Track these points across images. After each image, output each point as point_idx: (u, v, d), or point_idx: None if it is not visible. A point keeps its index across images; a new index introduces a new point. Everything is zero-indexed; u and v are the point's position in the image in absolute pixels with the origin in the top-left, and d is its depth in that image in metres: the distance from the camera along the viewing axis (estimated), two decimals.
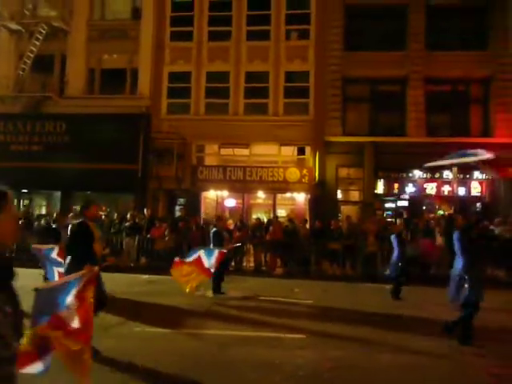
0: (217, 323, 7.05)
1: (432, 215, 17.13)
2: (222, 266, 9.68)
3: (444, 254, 13.17)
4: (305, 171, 17.06)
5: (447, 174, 16.38)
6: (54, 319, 3.70)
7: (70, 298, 3.93)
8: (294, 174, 17.00)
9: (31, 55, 18.20)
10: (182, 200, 18.38)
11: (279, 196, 17.97)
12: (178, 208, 18.54)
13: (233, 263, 14.47)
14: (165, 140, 17.50)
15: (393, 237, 9.90)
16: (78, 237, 5.66)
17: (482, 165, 14.58)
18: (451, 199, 16.46)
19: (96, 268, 4.74)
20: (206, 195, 18.18)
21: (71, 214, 15.73)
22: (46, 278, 9.01)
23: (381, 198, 17.38)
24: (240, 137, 17.41)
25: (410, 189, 17.12)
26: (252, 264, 14.45)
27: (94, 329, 6.32)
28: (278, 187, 17.13)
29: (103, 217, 15.83)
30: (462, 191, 16.65)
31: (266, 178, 17.05)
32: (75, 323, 3.86)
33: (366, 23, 17.63)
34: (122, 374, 4.77)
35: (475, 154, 11.01)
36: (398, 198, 17.37)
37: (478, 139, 16.54)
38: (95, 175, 16.72)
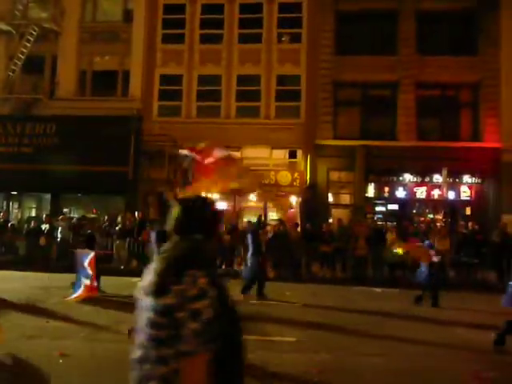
0: None
1: (422, 218, 17.28)
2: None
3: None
4: (296, 174, 17.10)
5: (437, 178, 16.51)
6: None
7: None
8: (285, 177, 17.02)
9: (22, 56, 18.06)
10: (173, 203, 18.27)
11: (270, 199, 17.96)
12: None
13: (223, 266, 14.48)
14: (156, 142, 17.42)
15: (427, 243, 9.73)
16: None
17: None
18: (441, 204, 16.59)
19: None
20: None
21: (61, 217, 15.68)
22: (73, 284, 9.46)
23: (371, 202, 17.47)
24: (231, 140, 17.38)
25: (400, 192, 17.23)
26: (243, 267, 14.39)
27: (82, 332, 6.30)
28: (269, 190, 17.12)
29: (93, 219, 15.70)
30: (451, 195, 16.78)
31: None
32: None
33: (357, 28, 17.76)
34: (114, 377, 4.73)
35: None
36: (389, 201, 17.49)
37: (468, 143, 16.75)
38: (86, 177, 16.59)
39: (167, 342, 1.58)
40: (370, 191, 17.44)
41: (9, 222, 16.31)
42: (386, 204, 17.67)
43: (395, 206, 17.42)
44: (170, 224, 1.84)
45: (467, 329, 7.34)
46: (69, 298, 8.72)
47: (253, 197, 17.73)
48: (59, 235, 14.64)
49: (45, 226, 14.99)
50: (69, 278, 10.40)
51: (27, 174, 16.95)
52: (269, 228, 14.98)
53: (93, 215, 16.32)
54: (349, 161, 16.88)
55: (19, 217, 19.03)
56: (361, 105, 17.92)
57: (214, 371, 1.58)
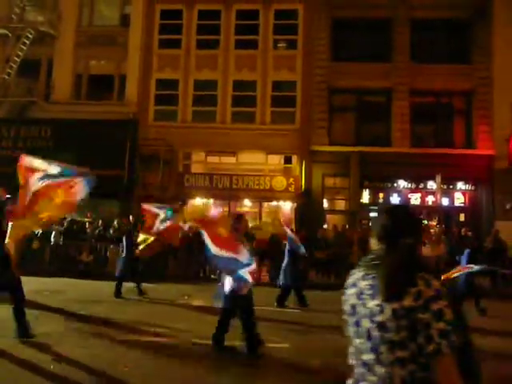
0: (199, 332, 7.00)
1: None
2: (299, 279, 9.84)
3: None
4: (291, 180, 17.15)
5: (431, 185, 16.61)
6: None
7: None
8: (280, 182, 17.08)
9: (17, 59, 18.05)
10: None
11: (265, 204, 17.99)
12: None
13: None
14: (151, 147, 17.45)
15: (467, 252, 9.38)
16: None
17: None
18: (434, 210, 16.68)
19: None
20: (191, 203, 18.11)
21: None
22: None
23: (366, 208, 17.53)
24: (227, 145, 17.45)
25: (394, 199, 17.32)
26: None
27: (73, 338, 6.26)
28: (264, 196, 17.18)
29: (87, 224, 15.64)
30: (445, 201, 16.89)
31: (253, 187, 17.10)
32: None
33: (352, 35, 17.91)
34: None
35: None
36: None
37: (461, 150, 16.89)
38: None
39: (402, 344, 1.62)
40: (365, 197, 17.51)
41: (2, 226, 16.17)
42: None
43: None
44: (373, 231, 1.89)
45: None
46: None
47: (247, 201, 17.78)
48: (52, 239, 14.57)
49: (38, 230, 14.89)
50: (61, 282, 10.38)
51: None
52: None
53: (87, 219, 16.24)
54: (344, 167, 16.95)
55: None
56: (356, 111, 18.03)
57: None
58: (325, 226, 16.36)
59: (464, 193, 17.25)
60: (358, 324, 1.75)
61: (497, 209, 16.40)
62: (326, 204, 17.71)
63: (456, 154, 16.54)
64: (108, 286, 10.38)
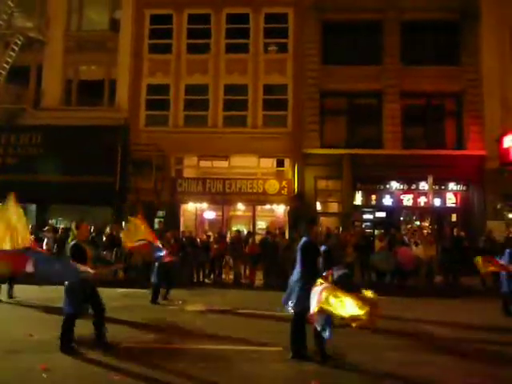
0: (193, 337, 6.95)
1: (409, 226, 17.42)
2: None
3: (420, 264, 13.40)
4: (284, 183, 17.14)
5: (423, 186, 16.68)
6: None
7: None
8: (273, 185, 17.06)
9: (6, 66, 17.90)
10: (160, 213, 18.20)
11: (259, 208, 17.97)
12: (156, 221, 18.34)
13: (212, 276, 14.40)
14: (143, 152, 17.36)
15: (508, 251, 9.05)
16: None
17: None
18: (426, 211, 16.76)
19: None
20: (185, 208, 18.05)
21: (47, 228, 15.45)
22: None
23: (359, 210, 17.57)
24: (219, 149, 17.43)
25: (387, 200, 17.38)
26: (231, 276, 14.36)
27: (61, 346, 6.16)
28: (257, 199, 17.15)
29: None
30: (437, 202, 16.96)
31: (246, 190, 17.06)
32: None
33: (342, 38, 17.97)
34: None
35: None
36: (376, 209, 17.61)
37: (453, 151, 17.00)
38: (72, 188, 16.42)
39: None
40: (358, 199, 17.55)
41: None
42: (374, 212, 17.78)
43: (383, 214, 17.53)
44: None
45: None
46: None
47: (241, 205, 17.76)
48: (45, 246, 14.42)
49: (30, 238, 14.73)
50: (52, 290, 10.23)
51: (12, 185, 16.50)
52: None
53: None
54: (336, 169, 16.98)
55: None
56: (347, 114, 18.09)
57: None
58: (318, 229, 16.33)
59: (456, 193, 17.35)
60: None
61: (488, 209, 16.50)
62: (318, 206, 17.72)
63: (447, 155, 16.64)
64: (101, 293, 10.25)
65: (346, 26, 17.80)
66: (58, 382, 4.94)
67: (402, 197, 17.38)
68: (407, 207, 17.48)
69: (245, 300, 10.94)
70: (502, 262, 8.97)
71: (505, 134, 16.29)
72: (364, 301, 4.92)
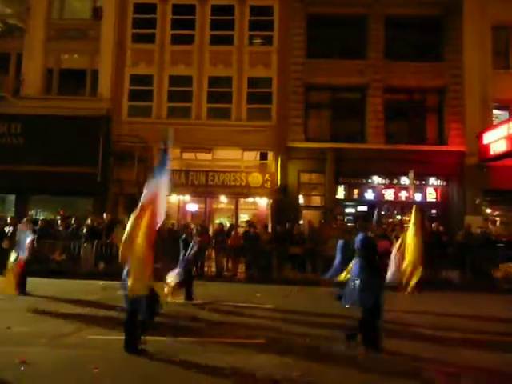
0: (175, 330, 6.95)
1: (390, 220, 17.63)
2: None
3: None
4: (267, 176, 17.16)
5: (404, 180, 16.90)
6: None
7: None
8: (256, 178, 17.07)
9: None
10: None
11: (242, 201, 17.97)
12: None
13: (194, 268, 14.36)
14: (126, 143, 17.17)
15: None
16: None
17: None
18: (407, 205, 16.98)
19: None
20: (167, 200, 17.90)
21: (25, 219, 15.18)
22: None
23: (341, 203, 17.72)
24: (202, 141, 17.34)
25: (369, 194, 17.56)
26: (214, 269, 14.37)
27: (44, 338, 6.13)
28: (240, 192, 17.13)
29: (59, 221, 15.30)
30: (418, 197, 17.21)
31: (229, 183, 17.03)
32: None
33: (327, 32, 17.97)
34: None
35: None
36: (358, 203, 17.79)
37: (434, 147, 17.23)
38: (52, 178, 16.16)
39: None
40: (340, 193, 17.69)
41: None
42: (356, 206, 17.95)
43: (364, 208, 17.72)
44: None
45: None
46: None
47: (224, 198, 17.74)
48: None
49: (8, 229, 14.50)
50: (31, 281, 10.12)
51: None
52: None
53: (60, 217, 15.87)
54: (319, 163, 17.09)
55: None
56: (331, 108, 18.17)
57: None
58: (301, 222, 16.47)
59: (436, 188, 17.62)
60: None
61: (467, 204, 16.82)
62: (301, 200, 17.80)
63: (428, 151, 16.87)
64: (79, 285, 10.21)
65: (331, 20, 17.80)
66: (36, 375, 4.89)
67: (383, 191, 17.59)
68: (388, 201, 17.69)
69: (228, 293, 10.99)
70: None
71: (484, 130, 16.60)
72: None
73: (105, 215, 15.47)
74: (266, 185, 17.03)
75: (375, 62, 17.67)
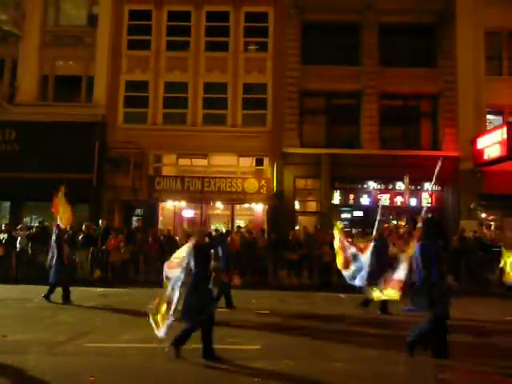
0: (170, 337, 6.92)
1: (386, 225, 17.66)
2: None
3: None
4: (263, 182, 17.20)
5: (400, 186, 16.96)
6: None
7: None
8: (252, 184, 17.10)
9: None
10: (138, 211, 18.05)
11: (237, 207, 17.99)
12: (134, 219, 18.18)
13: None
14: (121, 149, 17.16)
15: None
16: None
17: None
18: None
19: None
20: (163, 206, 17.93)
21: (20, 226, 15.14)
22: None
23: (337, 209, 17.76)
24: (198, 147, 17.36)
25: (364, 200, 17.61)
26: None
27: (41, 345, 6.09)
28: (236, 198, 17.15)
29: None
30: (413, 202, 17.28)
31: (225, 189, 17.06)
32: None
33: (322, 38, 18.11)
34: None
35: None
36: (354, 208, 17.83)
37: (428, 152, 17.30)
38: (48, 185, 15.92)
39: None
40: (336, 198, 17.73)
41: None
42: (352, 211, 18.00)
43: (360, 213, 17.76)
44: None
45: None
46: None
47: (219, 204, 17.74)
48: (18, 245, 14.15)
49: (3, 236, 14.45)
50: (27, 289, 10.09)
51: None
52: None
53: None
54: (315, 168, 17.15)
55: None
56: (326, 113, 18.25)
57: None
58: (297, 228, 16.49)
59: (431, 193, 17.70)
60: None
61: (462, 208, 16.91)
62: (297, 205, 17.84)
63: (423, 156, 16.92)
64: (75, 292, 10.16)
65: (326, 27, 17.93)
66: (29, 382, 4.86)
67: (379, 196, 17.63)
68: (384, 206, 17.70)
69: (223, 298, 10.94)
70: None
71: (478, 135, 16.73)
72: None
73: (100, 222, 15.44)
74: (261, 190, 17.06)
75: (370, 69, 17.79)
